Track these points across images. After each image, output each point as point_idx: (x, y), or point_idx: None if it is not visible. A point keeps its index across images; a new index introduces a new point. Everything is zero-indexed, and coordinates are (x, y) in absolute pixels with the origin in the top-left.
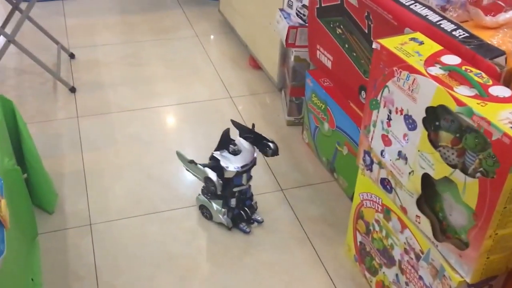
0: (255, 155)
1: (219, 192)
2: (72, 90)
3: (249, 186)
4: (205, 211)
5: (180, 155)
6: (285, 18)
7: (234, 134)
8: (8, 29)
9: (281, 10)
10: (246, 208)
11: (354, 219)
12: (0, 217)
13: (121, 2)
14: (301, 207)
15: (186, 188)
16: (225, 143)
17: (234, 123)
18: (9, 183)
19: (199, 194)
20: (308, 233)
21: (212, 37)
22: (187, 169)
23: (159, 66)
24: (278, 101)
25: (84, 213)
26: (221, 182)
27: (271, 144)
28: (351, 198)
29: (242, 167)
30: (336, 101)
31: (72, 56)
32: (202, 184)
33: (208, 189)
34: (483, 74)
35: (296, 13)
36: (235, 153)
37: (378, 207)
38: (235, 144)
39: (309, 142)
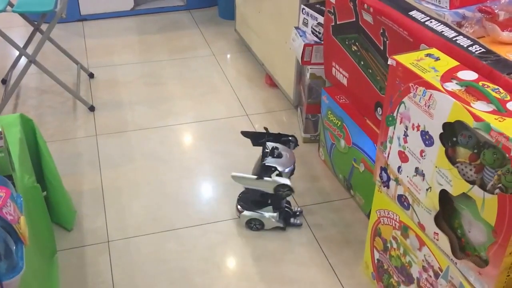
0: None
1: (293, 192)
2: (91, 109)
3: None
4: (254, 224)
5: (238, 177)
6: (300, 36)
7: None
8: (29, 50)
9: (297, 28)
10: (286, 205)
11: (371, 236)
12: (19, 234)
13: (139, 22)
14: (318, 224)
15: (202, 206)
16: (266, 151)
17: (245, 133)
18: (28, 200)
19: (240, 213)
20: (325, 250)
21: (228, 56)
22: (247, 187)
23: (177, 85)
24: (295, 119)
25: (102, 231)
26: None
27: (291, 138)
28: (368, 215)
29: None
30: (352, 118)
31: (91, 75)
32: (217, 201)
33: (279, 197)
34: (501, 90)
35: (312, 31)
36: (280, 156)
37: (395, 224)
38: (277, 148)
39: (326, 159)
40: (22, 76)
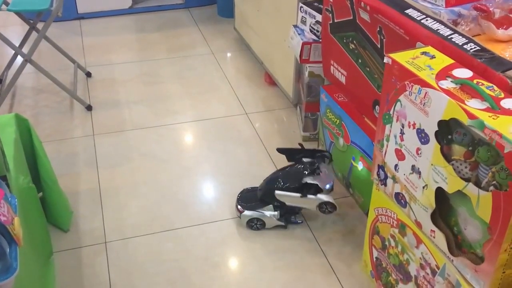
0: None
1: (336, 209)
2: (89, 108)
3: None
4: (255, 223)
5: (282, 195)
6: (299, 34)
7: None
8: (26, 49)
9: (295, 26)
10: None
11: (370, 234)
12: (13, 235)
13: (137, 21)
14: (317, 223)
15: (201, 205)
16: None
17: (280, 150)
18: (23, 201)
19: (241, 213)
20: (324, 249)
21: (227, 54)
22: (291, 205)
23: (175, 83)
24: (294, 117)
25: (99, 231)
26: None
27: (326, 153)
28: (367, 214)
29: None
30: (350, 116)
31: (88, 74)
32: (216, 200)
33: (323, 211)
34: (495, 87)
35: (310, 29)
36: (319, 172)
37: (393, 222)
38: (314, 164)
39: None
40: (17, 75)
